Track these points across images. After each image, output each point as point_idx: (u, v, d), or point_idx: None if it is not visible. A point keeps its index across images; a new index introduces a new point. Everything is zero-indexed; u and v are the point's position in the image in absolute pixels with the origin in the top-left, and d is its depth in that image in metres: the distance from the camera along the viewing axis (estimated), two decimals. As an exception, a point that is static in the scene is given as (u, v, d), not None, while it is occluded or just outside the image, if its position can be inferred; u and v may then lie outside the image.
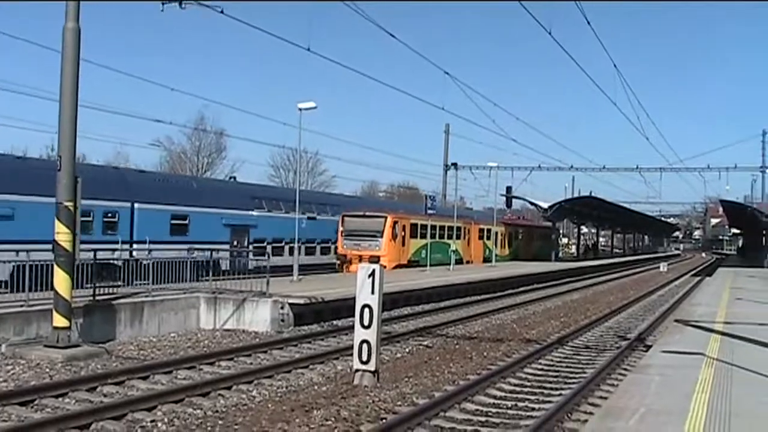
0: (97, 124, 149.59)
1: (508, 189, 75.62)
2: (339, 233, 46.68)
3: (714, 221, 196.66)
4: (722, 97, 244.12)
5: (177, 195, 39.02)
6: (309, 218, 46.58)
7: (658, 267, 75.60)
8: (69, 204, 17.75)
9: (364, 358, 14.93)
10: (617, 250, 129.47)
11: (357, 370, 15.16)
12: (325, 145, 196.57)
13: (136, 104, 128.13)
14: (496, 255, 61.29)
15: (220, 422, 12.27)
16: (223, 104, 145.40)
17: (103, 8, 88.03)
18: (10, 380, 15.29)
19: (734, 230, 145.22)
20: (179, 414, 12.86)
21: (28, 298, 19.66)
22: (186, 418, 12.64)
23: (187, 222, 38.56)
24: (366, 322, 14.86)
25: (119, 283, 26.10)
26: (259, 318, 24.01)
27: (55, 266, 17.72)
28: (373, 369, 15.02)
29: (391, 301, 28.05)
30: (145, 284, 24.25)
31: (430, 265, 46.26)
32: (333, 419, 12.42)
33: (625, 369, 17.38)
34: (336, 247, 48.57)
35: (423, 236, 49.46)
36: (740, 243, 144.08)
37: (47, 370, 16.30)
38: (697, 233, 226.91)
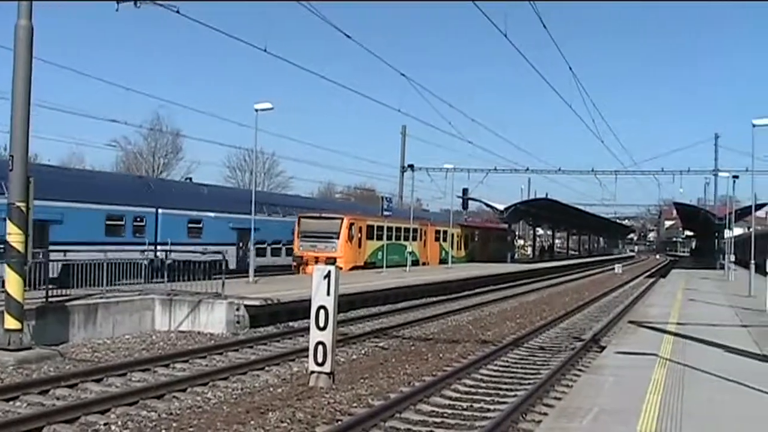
0: (51, 124, 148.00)
1: (465, 191, 75.78)
2: (296, 235, 46.60)
3: (668, 223, 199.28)
4: (676, 102, 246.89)
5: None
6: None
7: (613, 269, 76.33)
8: (21, 204, 17.51)
9: (320, 360, 14.90)
10: (573, 252, 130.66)
11: (312, 372, 15.14)
12: (282, 147, 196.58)
13: (92, 104, 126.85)
14: (452, 257, 61.51)
15: (174, 424, 12.19)
16: (179, 105, 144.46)
17: (57, 7, 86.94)
18: (-40, 383, 15.07)
19: (688, 232, 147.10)
20: (133, 417, 12.76)
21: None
22: (140, 420, 12.55)
23: (143, 224, 38.69)
24: (321, 324, 14.83)
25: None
26: (214, 320, 23.87)
27: (6, 267, 17.47)
28: (328, 371, 15.01)
29: (347, 302, 28.01)
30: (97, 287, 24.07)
31: (387, 267, 46.36)
32: (288, 421, 12.40)
33: (580, 370, 17.50)
34: (287, 249, 48.82)
35: (379, 238, 49.59)
36: (693, 245, 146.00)
37: (-2, 372, 16.08)
38: (651, 235, 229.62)
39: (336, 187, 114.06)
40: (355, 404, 13.88)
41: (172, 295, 24.65)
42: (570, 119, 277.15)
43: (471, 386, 16.04)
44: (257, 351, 20.42)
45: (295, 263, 46.27)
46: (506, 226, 78.18)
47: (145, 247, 35.49)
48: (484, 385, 16.29)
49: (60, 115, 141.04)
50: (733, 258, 52.85)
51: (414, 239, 55.26)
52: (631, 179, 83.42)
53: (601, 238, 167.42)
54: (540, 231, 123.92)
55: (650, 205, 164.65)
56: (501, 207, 71.04)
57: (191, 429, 11.96)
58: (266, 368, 17.55)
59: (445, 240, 63.28)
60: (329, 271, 14.94)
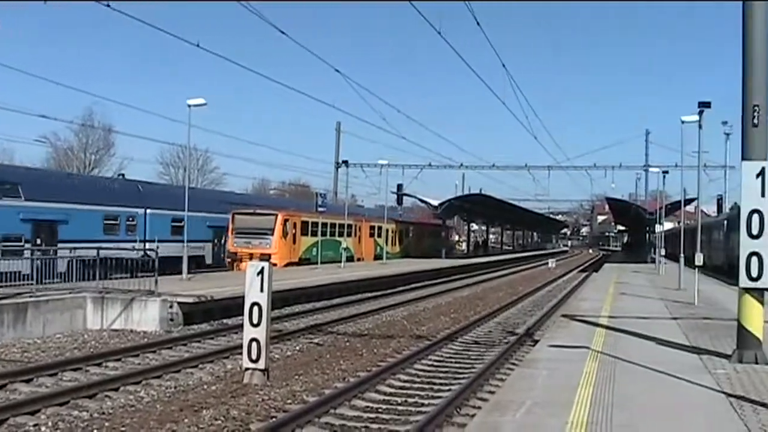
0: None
1: (399, 186, 76.05)
2: (230, 231, 46.32)
3: (600, 218, 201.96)
4: (608, 98, 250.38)
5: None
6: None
7: (547, 263, 76.97)
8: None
9: (254, 357, 14.83)
10: (507, 247, 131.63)
11: (247, 369, 15.06)
12: (216, 143, 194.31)
13: (20, 99, 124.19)
14: (387, 252, 61.69)
15: (106, 424, 12.06)
16: (111, 100, 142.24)
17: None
18: None
19: (620, 227, 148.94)
20: (64, 417, 12.60)
21: None
22: (71, 420, 12.39)
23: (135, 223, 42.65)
24: (255, 321, 14.76)
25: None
26: (147, 317, 23.63)
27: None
28: (262, 367, 14.94)
29: (281, 299, 27.95)
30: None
31: (322, 263, 46.33)
32: (222, 418, 12.34)
33: (513, 363, 17.69)
34: (212, 246, 49.00)
35: (314, 234, 49.62)
36: (625, 239, 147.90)
37: None
38: (584, 230, 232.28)
39: (270, 184, 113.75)
40: (289, 401, 13.87)
41: (104, 293, 24.31)
42: (503, 115, 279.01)
43: (406, 381, 16.12)
44: (191, 349, 20.27)
45: (229, 260, 46.05)
46: (441, 221, 78.51)
47: (137, 244, 39.51)
48: (418, 380, 16.37)
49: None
50: (663, 252, 53.79)
51: (349, 235, 55.29)
52: (564, 174, 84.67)
53: (534, 233, 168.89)
54: (474, 226, 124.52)
55: (583, 200, 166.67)
56: (435, 203, 71.28)
57: (123, 428, 11.84)
58: (200, 366, 17.44)
59: (379, 236, 63.43)
60: (263, 268, 14.86)
